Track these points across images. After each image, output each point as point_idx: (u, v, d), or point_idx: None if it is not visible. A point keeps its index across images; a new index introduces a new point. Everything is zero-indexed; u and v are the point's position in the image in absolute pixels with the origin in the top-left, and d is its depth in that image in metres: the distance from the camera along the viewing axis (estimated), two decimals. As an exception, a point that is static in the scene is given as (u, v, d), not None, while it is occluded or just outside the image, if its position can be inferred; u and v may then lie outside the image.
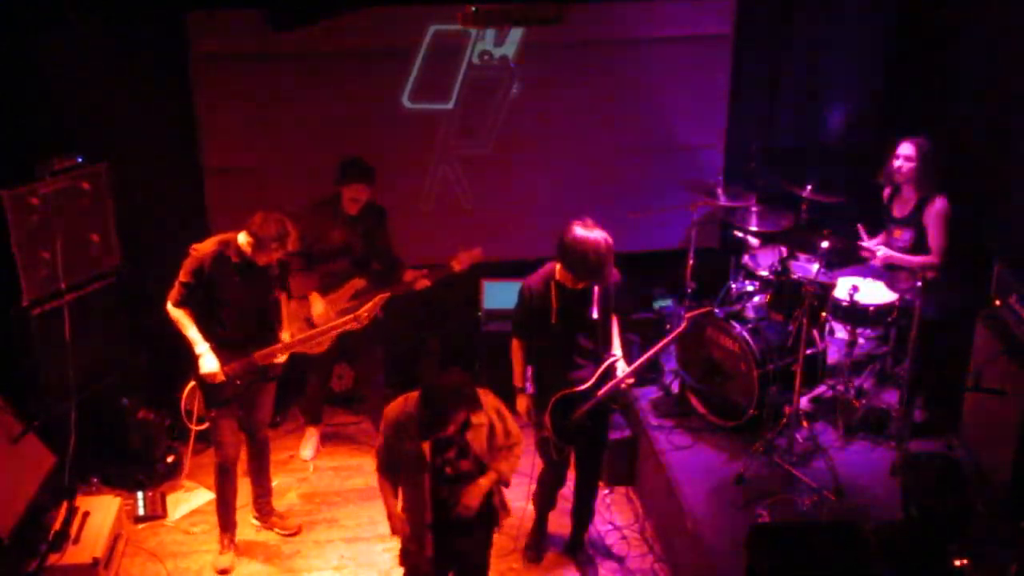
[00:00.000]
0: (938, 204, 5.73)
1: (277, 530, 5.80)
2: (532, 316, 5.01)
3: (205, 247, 5.15)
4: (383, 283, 5.91)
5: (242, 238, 5.10)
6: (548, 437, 5.07)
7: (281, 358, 5.37)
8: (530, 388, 5.16)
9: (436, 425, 4.18)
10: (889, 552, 4.62)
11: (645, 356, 5.12)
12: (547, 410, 5.02)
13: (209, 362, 5.17)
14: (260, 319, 5.32)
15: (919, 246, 5.82)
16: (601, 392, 5.05)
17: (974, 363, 5.31)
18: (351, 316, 5.46)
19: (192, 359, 5.23)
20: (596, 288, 4.95)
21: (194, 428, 6.14)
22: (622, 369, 5.09)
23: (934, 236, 5.75)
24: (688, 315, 5.09)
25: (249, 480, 5.79)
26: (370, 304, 5.45)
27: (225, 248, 5.14)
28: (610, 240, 4.78)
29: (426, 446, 4.26)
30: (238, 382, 5.27)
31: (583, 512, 5.57)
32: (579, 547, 5.62)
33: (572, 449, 5.26)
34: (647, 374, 6.42)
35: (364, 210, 5.92)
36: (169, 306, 5.18)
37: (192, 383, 5.41)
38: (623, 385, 5.09)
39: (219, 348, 5.22)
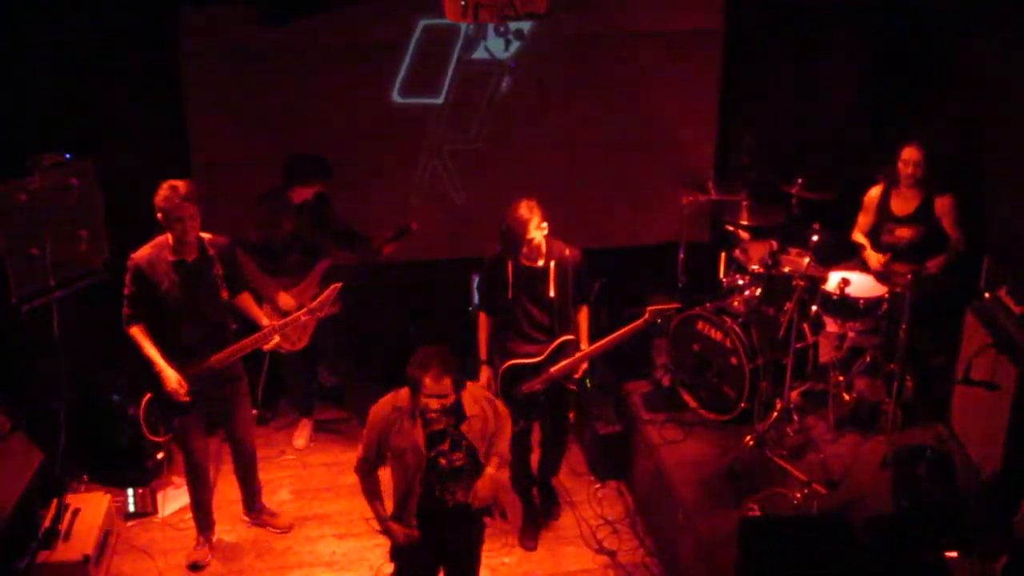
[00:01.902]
0: (948, 198, 5.75)
1: (269, 527, 5.78)
2: (492, 290, 5.30)
3: (139, 252, 5.09)
4: (351, 258, 6.04)
5: (170, 236, 5.03)
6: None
7: (274, 341, 5.28)
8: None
9: (416, 390, 4.10)
10: (880, 544, 4.64)
11: (601, 343, 5.28)
12: (497, 376, 5.29)
13: (170, 378, 5.08)
14: (214, 322, 5.19)
15: (926, 242, 5.80)
16: (554, 369, 5.24)
17: (963, 355, 5.32)
18: (304, 309, 5.32)
19: (147, 374, 5.14)
20: (552, 267, 5.16)
21: (158, 439, 6.03)
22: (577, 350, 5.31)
23: (955, 228, 5.76)
24: (650, 308, 5.20)
25: (237, 483, 5.75)
26: (323, 295, 5.27)
27: (159, 250, 5.06)
28: (523, 217, 4.96)
29: (420, 436, 4.23)
30: (195, 390, 5.18)
31: (550, 459, 5.80)
32: (546, 496, 5.87)
33: (524, 418, 5.38)
34: (639, 368, 6.43)
35: (320, 200, 5.97)
36: (127, 328, 5.11)
37: (148, 396, 5.25)
38: (577, 367, 5.29)
39: (178, 357, 5.13)
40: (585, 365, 5.36)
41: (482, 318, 5.42)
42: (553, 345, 5.26)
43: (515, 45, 6.68)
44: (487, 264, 5.32)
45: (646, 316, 5.19)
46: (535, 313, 5.25)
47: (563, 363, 5.26)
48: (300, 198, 5.93)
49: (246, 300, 5.37)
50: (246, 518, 5.83)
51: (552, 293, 5.21)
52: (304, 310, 5.31)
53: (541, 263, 5.20)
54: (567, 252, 5.24)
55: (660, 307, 5.22)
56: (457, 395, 4.21)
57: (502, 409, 4.48)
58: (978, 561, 4.56)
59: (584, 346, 5.36)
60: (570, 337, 5.30)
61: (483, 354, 5.41)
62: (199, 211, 4.99)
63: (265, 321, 5.30)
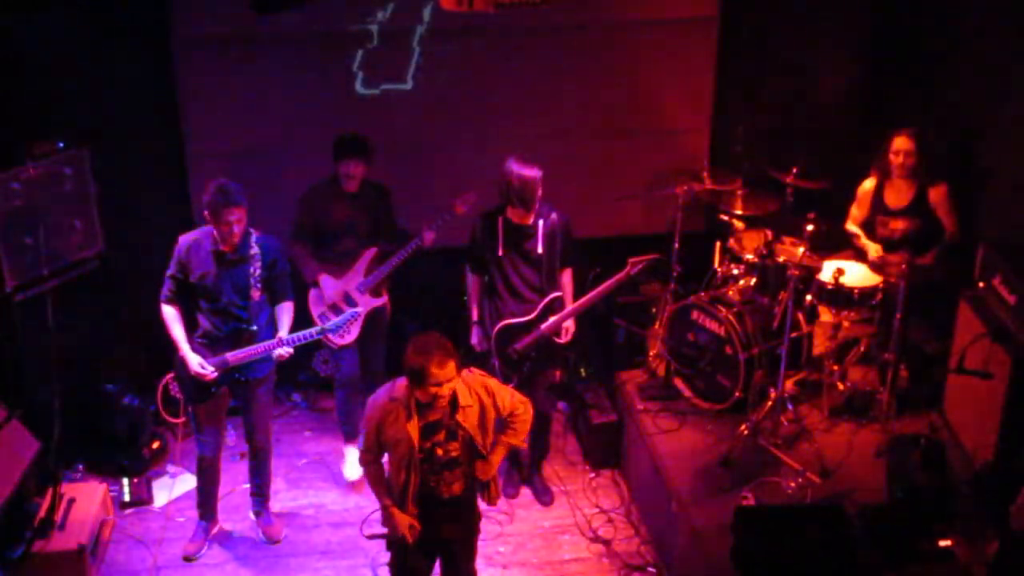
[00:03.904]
0: (942, 188, 5.75)
1: (261, 533, 5.71)
2: (482, 248, 5.50)
3: (185, 235, 5.16)
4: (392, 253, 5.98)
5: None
6: (494, 363, 5.47)
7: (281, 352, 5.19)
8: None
9: (421, 380, 4.08)
10: (874, 533, 4.66)
11: (587, 297, 5.49)
12: (491, 336, 5.50)
13: (192, 361, 5.12)
14: (238, 318, 5.18)
15: (921, 234, 5.81)
16: (544, 326, 5.47)
17: (957, 344, 5.34)
18: (316, 328, 5.24)
19: (175, 353, 5.20)
20: (541, 224, 5.40)
21: (173, 420, 6.06)
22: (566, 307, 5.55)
23: (949, 218, 5.77)
24: (631, 260, 5.42)
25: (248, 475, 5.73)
26: (340, 318, 5.23)
27: (204, 237, 5.12)
28: (536, 174, 5.24)
29: (415, 426, 4.23)
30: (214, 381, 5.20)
31: (537, 443, 5.93)
32: (535, 475, 6.03)
33: (517, 375, 5.53)
34: (634, 358, 6.45)
35: (364, 188, 5.87)
36: (162, 305, 5.19)
37: (170, 375, 5.28)
38: (565, 325, 5.52)
39: (205, 346, 5.18)
40: (572, 324, 5.57)
41: (471, 278, 5.62)
42: (543, 303, 5.48)
43: (510, 33, 6.64)
44: (480, 221, 5.51)
45: (627, 268, 5.42)
46: (524, 270, 5.47)
47: (552, 320, 5.48)
48: (350, 185, 5.83)
49: (282, 310, 5.29)
50: (254, 516, 5.77)
51: (540, 250, 5.43)
52: (316, 329, 5.23)
53: (530, 220, 5.43)
54: (554, 214, 5.47)
55: (640, 257, 5.43)
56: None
57: (508, 401, 4.42)
58: (971, 549, 4.59)
59: (570, 305, 5.57)
60: (558, 295, 5.54)
61: (474, 315, 5.62)
62: (246, 214, 5.04)
63: (284, 334, 5.21)
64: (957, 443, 5.38)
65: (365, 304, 5.88)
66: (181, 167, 6.58)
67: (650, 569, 5.49)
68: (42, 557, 5.16)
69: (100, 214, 6.02)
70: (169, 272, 5.17)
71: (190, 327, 5.23)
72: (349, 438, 6.20)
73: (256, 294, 5.17)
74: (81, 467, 6.04)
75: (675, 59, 6.88)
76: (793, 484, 5.21)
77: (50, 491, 5.44)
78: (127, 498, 5.91)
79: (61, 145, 5.79)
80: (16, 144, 5.62)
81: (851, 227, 6.07)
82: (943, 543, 4.58)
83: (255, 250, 5.14)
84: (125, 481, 5.94)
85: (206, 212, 5.03)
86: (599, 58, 6.80)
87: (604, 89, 6.86)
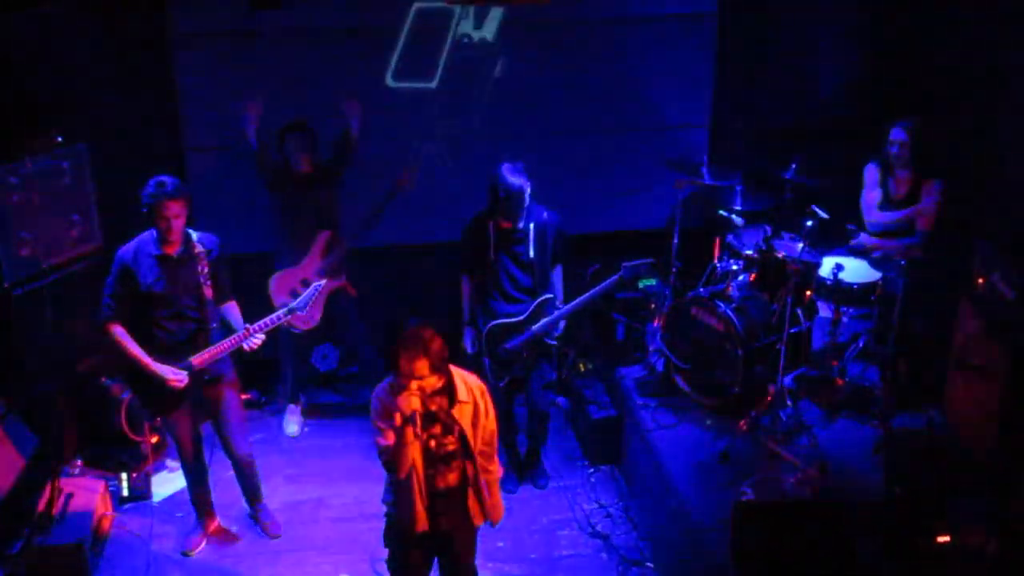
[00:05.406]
0: (936, 185, 5.74)
1: (260, 528, 5.69)
2: (474, 251, 5.54)
3: (124, 247, 5.01)
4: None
5: (155, 231, 4.96)
6: (485, 363, 5.55)
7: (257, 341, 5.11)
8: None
9: (394, 371, 4.08)
10: (872, 529, 4.66)
11: (580, 299, 5.54)
12: (482, 335, 5.57)
13: (167, 373, 4.99)
14: (196, 320, 5.07)
15: (912, 225, 5.82)
16: (536, 327, 5.54)
17: (957, 340, 5.34)
18: (284, 309, 5.11)
19: (129, 374, 5.10)
20: (532, 228, 5.44)
21: (140, 439, 5.99)
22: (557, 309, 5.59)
23: (929, 215, 5.76)
24: (625, 264, 5.48)
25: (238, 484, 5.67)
26: (305, 295, 5.09)
27: (144, 244, 4.99)
28: (523, 186, 5.26)
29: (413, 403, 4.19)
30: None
31: (536, 434, 6.01)
32: (534, 460, 6.06)
33: (508, 375, 5.62)
34: (633, 353, 6.44)
35: (315, 171, 6.05)
36: (108, 325, 4.99)
37: (128, 398, 5.17)
38: (556, 324, 5.58)
39: (159, 355, 5.02)
40: (563, 321, 5.61)
41: (464, 280, 5.65)
42: (534, 304, 5.53)
43: (509, 31, 6.65)
44: (470, 225, 5.55)
45: (621, 273, 5.47)
46: (516, 273, 5.52)
47: (543, 321, 5.54)
48: (302, 164, 6.02)
49: (229, 311, 5.22)
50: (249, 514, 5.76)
51: (531, 254, 5.47)
52: (284, 310, 5.11)
53: (520, 224, 5.44)
54: (545, 214, 5.49)
55: (634, 262, 5.47)
56: (448, 378, 4.20)
57: (491, 412, 4.40)
58: (969, 545, 4.59)
59: (560, 304, 5.61)
60: (549, 296, 5.58)
61: (466, 316, 5.69)
62: (186, 209, 4.92)
63: (239, 326, 5.13)
64: (956, 438, 5.37)
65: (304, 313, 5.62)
66: (180, 161, 6.57)
67: (648, 564, 5.49)
68: (41, 552, 5.15)
69: (98, 209, 6.02)
70: (110, 291, 4.96)
71: (143, 343, 5.02)
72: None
73: (208, 292, 5.05)
74: (80, 462, 6.03)
75: (675, 54, 6.89)
76: (792, 479, 5.20)
77: (49, 486, 5.43)
78: (125, 493, 5.90)
79: (59, 140, 5.79)
80: (14, 139, 5.61)
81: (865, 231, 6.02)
82: (941, 539, 4.58)
83: (199, 248, 5.03)
84: (124, 476, 5.93)
85: (144, 209, 4.87)
86: (599, 53, 6.81)
87: (605, 85, 6.87)
